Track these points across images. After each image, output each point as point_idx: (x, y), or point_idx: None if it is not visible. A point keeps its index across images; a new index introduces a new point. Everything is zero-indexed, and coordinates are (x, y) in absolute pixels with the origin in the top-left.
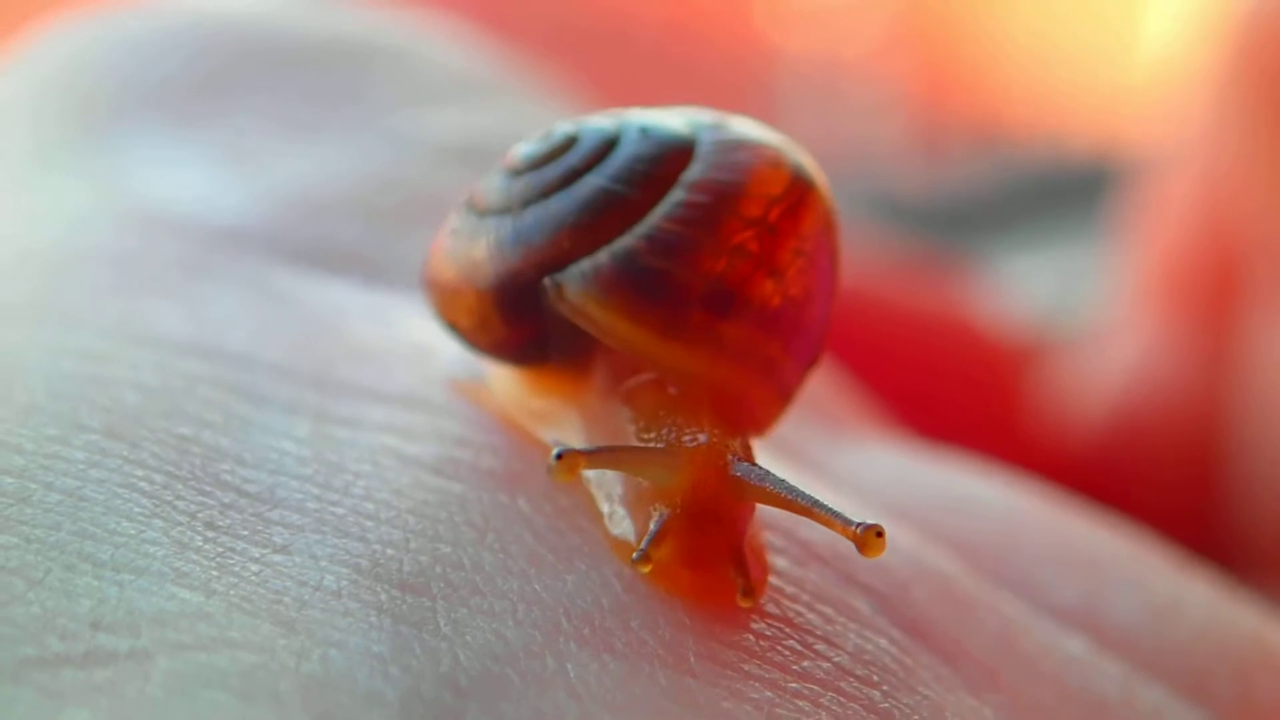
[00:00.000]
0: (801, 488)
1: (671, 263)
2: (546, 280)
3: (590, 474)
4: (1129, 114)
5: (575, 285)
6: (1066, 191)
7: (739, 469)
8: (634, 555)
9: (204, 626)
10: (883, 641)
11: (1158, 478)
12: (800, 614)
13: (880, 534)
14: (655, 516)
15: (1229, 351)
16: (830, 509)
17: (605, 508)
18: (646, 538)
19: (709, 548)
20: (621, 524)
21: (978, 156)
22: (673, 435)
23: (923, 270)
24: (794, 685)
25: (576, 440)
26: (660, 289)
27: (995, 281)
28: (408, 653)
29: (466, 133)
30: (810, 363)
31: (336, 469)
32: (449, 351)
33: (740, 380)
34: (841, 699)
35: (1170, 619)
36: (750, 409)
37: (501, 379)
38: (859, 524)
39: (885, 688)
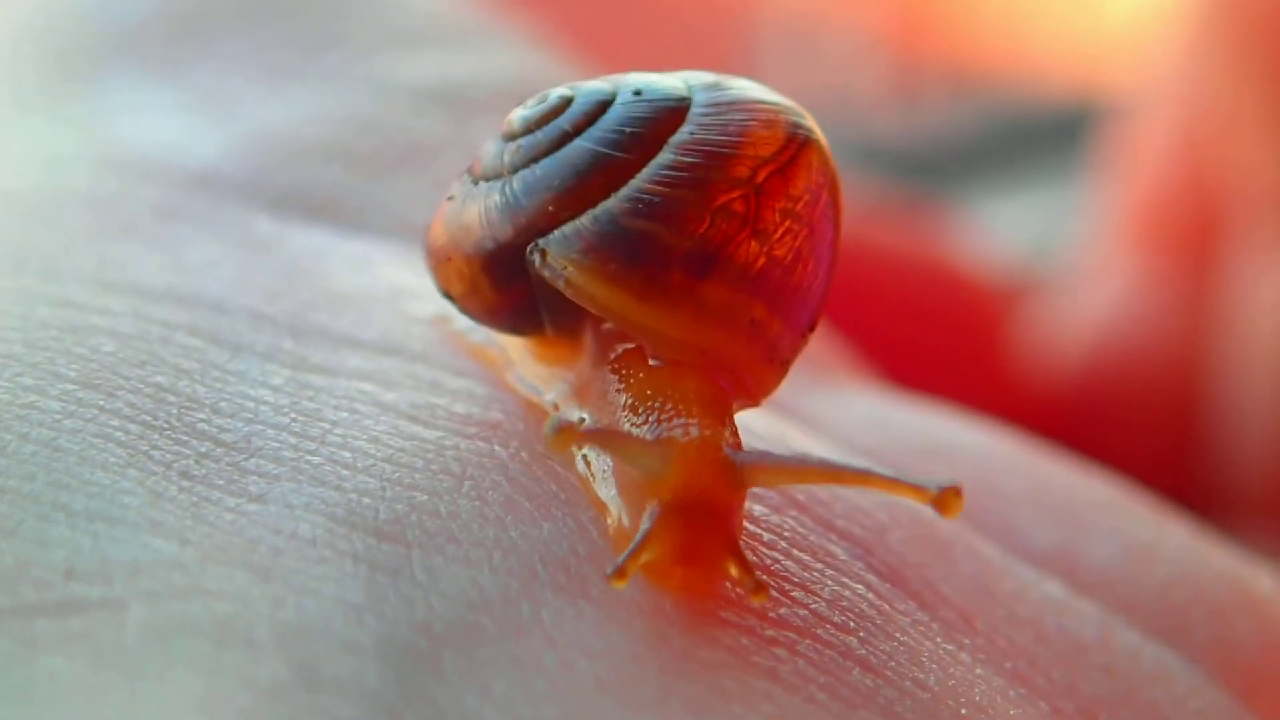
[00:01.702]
0: (820, 455)
1: (653, 224)
2: (531, 245)
3: (590, 458)
4: (1107, 57)
5: (557, 249)
6: (1045, 135)
7: (739, 457)
8: (608, 570)
9: (178, 575)
10: (860, 587)
11: (1136, 420)
12: (777, 561)
13: (960, 493)
14: (647, 513)
15: (1208, 294)
16: (880, 470)
17: (603, 494)
18: (635, 540)
19: (704, 544)
20: (619, 514)
21: (955, 101)
22: (663, 425)
23: (902, 215)
24: (770, 632)
25: (569, 408)
26: (640, 251)
27: (974, 226)
28: (383, 601)
29: (446, 77)
30: (803, 328)
31: (313, 417)
32: (436, 301)
33: (725, 346)
34: (818, 645)
35: (1147, 562)
36: (739, 377)
37: (507, 342)
38: (935, 486)
39: (862, 634)
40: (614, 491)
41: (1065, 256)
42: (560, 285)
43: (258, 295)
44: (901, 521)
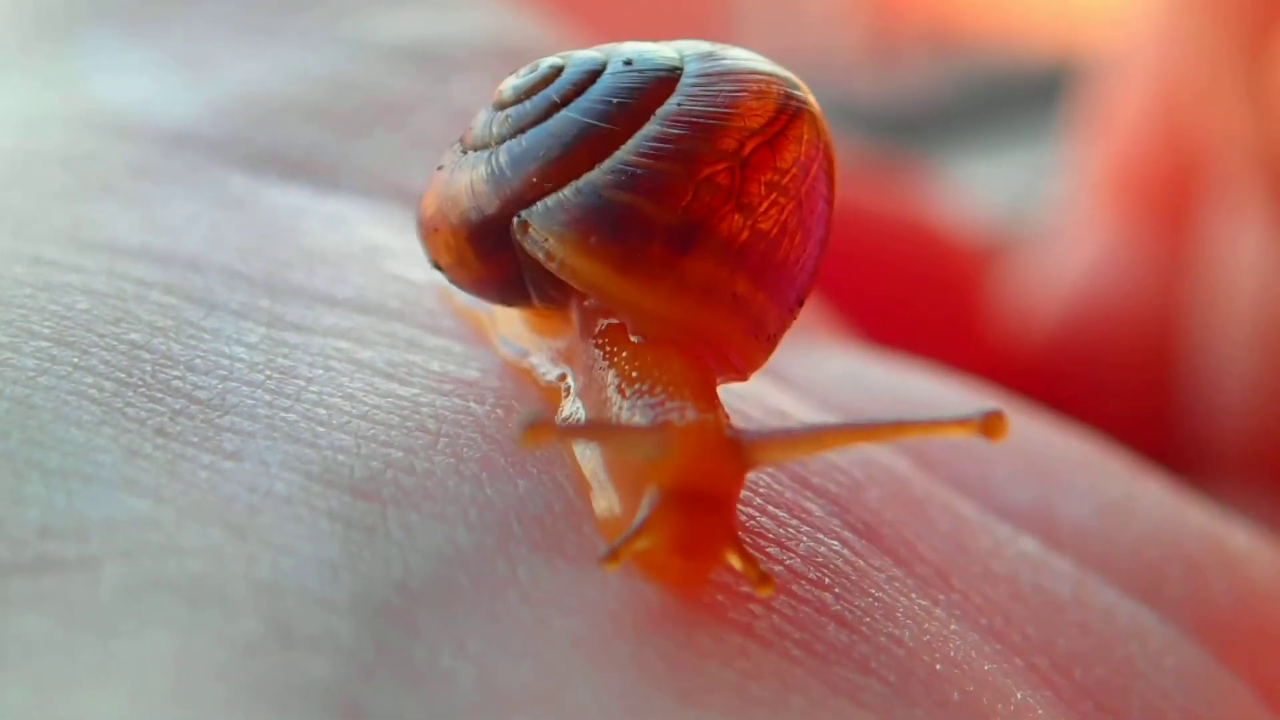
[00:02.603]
0: (835, 419)
1: (635, 197)
2: (515, 217)
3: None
4: (1084, 17)
5: (540, 221)
6: (1022, 95)
7: (745, 435)
8: (601, 551)
9: (153, 534)
10: (835, 544)
11: (1112, 378)
12: (753, 518)
13: (1003, 415)
14: (646, 499)
15: (1184, 253)
16: (917, 418)
17: (591, 477)
18: (632, 526)
19: (704, 535)
20: (608, 499)
21: (933, 62)
22: (656, 409)
23: (880, 175)
24: (746, 589)
25: (552, 369)
26: (621, 224)
27: (951, 185)
28: (359, 558)
29: (423, 36)
30: (790, 302)
31: (288, 374)
32: (414, 260)
33: (708, 321)
34: (794, 602)
35: (1122, 519)
36: (724, 352)
37: (501, 312)
38: (976, 414)
39: (837, 590)
40: (604, 475)
41: (1042, 216)
42: (542, 258)
43: (233, 253)
44: (877, 478)
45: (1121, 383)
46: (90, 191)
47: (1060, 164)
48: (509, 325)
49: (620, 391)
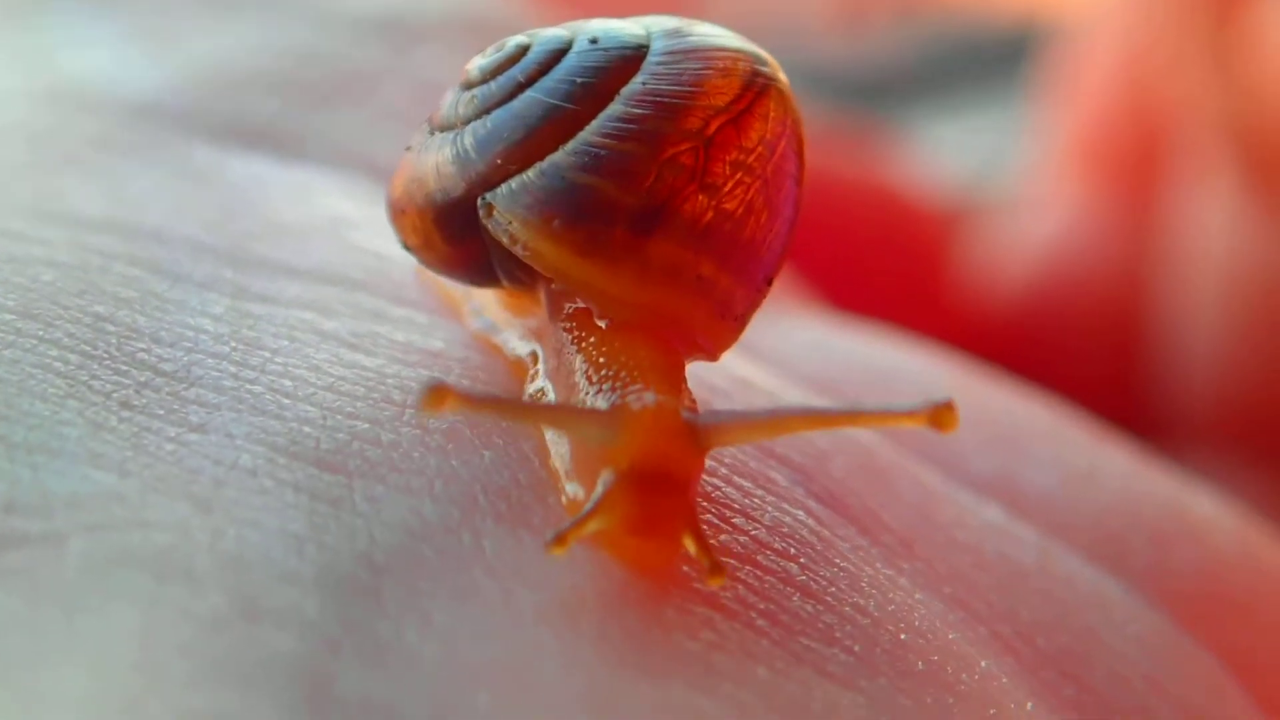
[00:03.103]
0: (794, 403)
1: (598, 179)
2: (480, 199)
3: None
4: None
5: (504, 204)
6: (989, 60)
7: (701, 419)
8: (547, 535)
9: (118, 508)
10: (800, 514)
11: (1078, 344)
12: (718, 488)
13: (953, 406)
14: (600, 482)
15: (1151, 221)
16: (866, 406)
17: (558, 464)
18: (584, 509)
19: (660, 515)
20: (572, 482)
21: (900, 26)
22: (616, 393)
23: (846, 140)
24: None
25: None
26: (584, 207)
27: (918, 150)
28: (324, 531)
29: (387, 6)
30: (758, 281)
31: (253, 346)
32: (377, 231)
33: (673, 304)
34: (758, 572)
35: (1086, 488)
36: (691, 335)
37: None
38: (925, 406)
39: (803, 560)
40: (569, 464)
41: (1009, 181)
42: (506, 241)
43: (197, 225)
44: (843, 448)
45: (1087, 348)
46: (53, 164)
47: (1027, 129)
48: (481, 296)
49: (588, 377)
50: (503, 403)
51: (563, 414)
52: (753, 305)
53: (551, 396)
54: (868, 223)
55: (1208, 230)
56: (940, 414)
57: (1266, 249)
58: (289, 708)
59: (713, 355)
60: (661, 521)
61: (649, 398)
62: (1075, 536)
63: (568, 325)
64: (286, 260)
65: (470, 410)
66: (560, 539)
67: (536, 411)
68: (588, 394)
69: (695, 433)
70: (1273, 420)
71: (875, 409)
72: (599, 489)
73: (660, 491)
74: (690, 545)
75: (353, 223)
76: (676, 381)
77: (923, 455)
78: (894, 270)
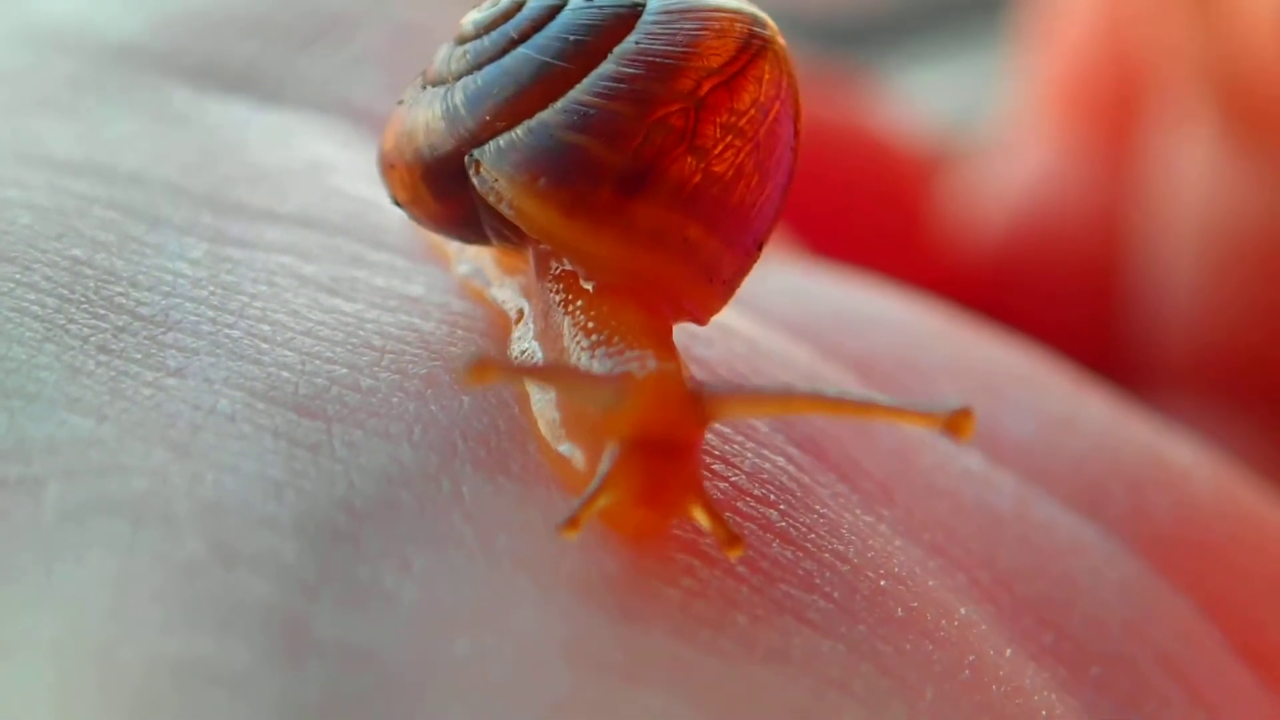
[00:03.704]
0: (806, 386)
1: (586, 138)
2: (467, 156)
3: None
4: None
5: (491, 161)
6: (968, 5)
7: (707, 389)
8: (558, 520)
9: (95, 453)
10: (780, 460)
11: (1057, 290)
12: None
13: (970, 414)
14: (607, 455)
15: (1130, 167)
16: (879, 399)
17: (546, 420)
18: (593, 485)
19: (666, 484)
20: (565, 443)
21: None
22: (615, 359)
23: (824, 85)
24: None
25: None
26: (571, 166)
27: (897, 95)
28: (303, 476)
29: None
30: (748, 246)
31: (231, 290)
32: (358, 175)
33: (658, 267)
34: (738, 519)
35: (1065, 435)
36: (678, 299)
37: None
38: (943, 410)
39: (782, 506)
40: (558, 423)
41: (988, 127)
42: (492, 199)
43: (175, 168)
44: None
45: (1065, 294)
46: (29, 106)
47: (1006, 73)
48: (478, 257)
49: (577, 341)
50: (526, 369)
51: (574, 378)
52: (741, 270)
53: (540, 358)
54: (846, 168)
55: (1186, 176)
56: (958, 421)
57: (1245, 196)
58: (266, 652)
59: (700, 319)
60: (669, 490)
61: (651, 364)
62: (1054, 483)
63: (555, 287)
64: (265, 204)
65: (508, 378)
66: (573, 521)
67: (552, 373)
68: (579, 358)
69: (700, 401)
70: (1249, 367)
71: (891, 403)
72: (605, 463)
73: (665, 459)
74: (701, 517)
75: (332, 166)
76: (669, 345)
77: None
78: (873, 216)
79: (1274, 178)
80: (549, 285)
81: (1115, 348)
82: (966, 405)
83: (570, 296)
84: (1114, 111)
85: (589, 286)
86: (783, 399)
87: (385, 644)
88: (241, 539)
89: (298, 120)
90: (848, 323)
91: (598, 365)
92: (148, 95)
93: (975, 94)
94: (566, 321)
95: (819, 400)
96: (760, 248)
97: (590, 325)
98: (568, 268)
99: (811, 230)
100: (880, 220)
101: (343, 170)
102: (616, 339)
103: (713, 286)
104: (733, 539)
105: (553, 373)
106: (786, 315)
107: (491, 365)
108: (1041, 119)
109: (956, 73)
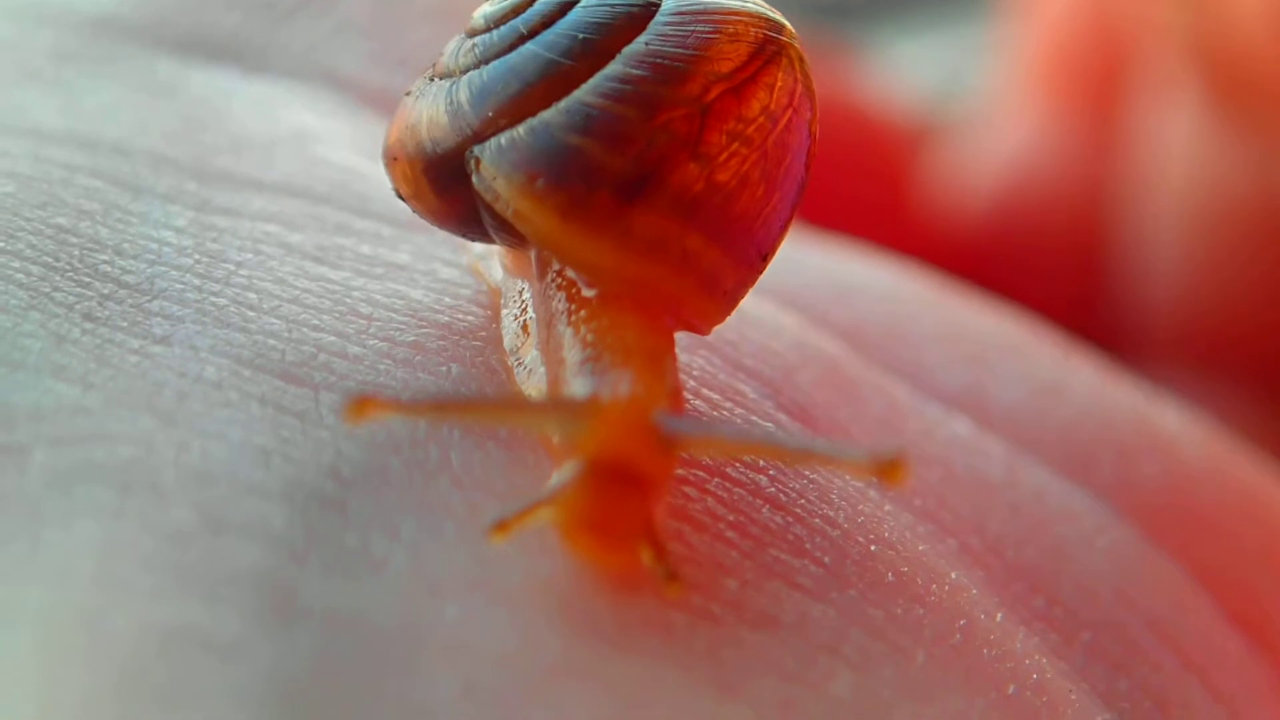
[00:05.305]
0: (766, 429)
1: (587, 140)
2: (468, 153)
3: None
4: None
5: (490, 159)
6: None
7: (668, 425)
8: (489, 521)
9: (81, 420)
10: (769, 426)
11: (1043, 260)
12: (688, 400)
13: (903, 463)
14: (564, 469)
15: (1115, 138)
16: (824, 447)
17: (533, 391)
18: (537, 495)
19: (615, 517)
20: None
21: None
22: (594, 379)
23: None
24: (680, 471)
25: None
26: (570, 168)
27: (882, 67)
28: (290, 444)
29: None
30: (751, 258)
31: (217, 258)
32: (333, 140)
33: (656, 277)
34: (728, 484)
35: (1054, 402)
36: (678, 310)
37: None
38: (873, 457)
39: (772, 472)
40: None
41: (972, 99)
42: (489, 198)
43: (159, 137)
44: (811, 361)
45: (1051, 263)
46: (12, 77)
47: (991, 46)
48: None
49: (574, 355)
50: (473, 402)
51: (533, 411)
52: (743, 282)
53: (541, 371)
54: (832, 140)
55: (1171, 148)
56: (888, 469)
57: (1229, 167)
58: (255, 619)
59: (701, 330)
60: (615, 524)
61: (624, 388)
62: (1043, 450)
63: (557, 295)
64: (250, 173)
65: (429, 417)
66: (502, 525)
67: (506, 410)
68: (572, 373)
69: (659, 437)
70: (1234, 336)
71: (828, 453)
72: (554, 479)
73: (618, 492)
74: (644, 554)
75: (316, 136)
76: (659, 368)
77: (890, 369)
78: (859, 188)
79: (1259, 149)
80: (551, 292)
81: (1100, 319)
82: (900, 451)
83: (574, 307)
84: (1098, 83)
85: (590, 294)
86: (741, 444)
87: (374, 610)
88: (229, 506)
89: (281, 90)
90: (836, 291)
91: (580, 385)
92: (131, 66)
93: (960, 66)
94: (568, 334)
95: (766, 446)
96: (765, 260)
97: (590, 339)
98: (569, 274)
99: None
100: (865, 193)
101: (327, 139)
102: (606, 356)
103: (712, 298)
104: (670, 576)
105: (507, 409)
106: (775, 283)
107: (375, 404)
108: (1026, 91)
109: (941, 45)
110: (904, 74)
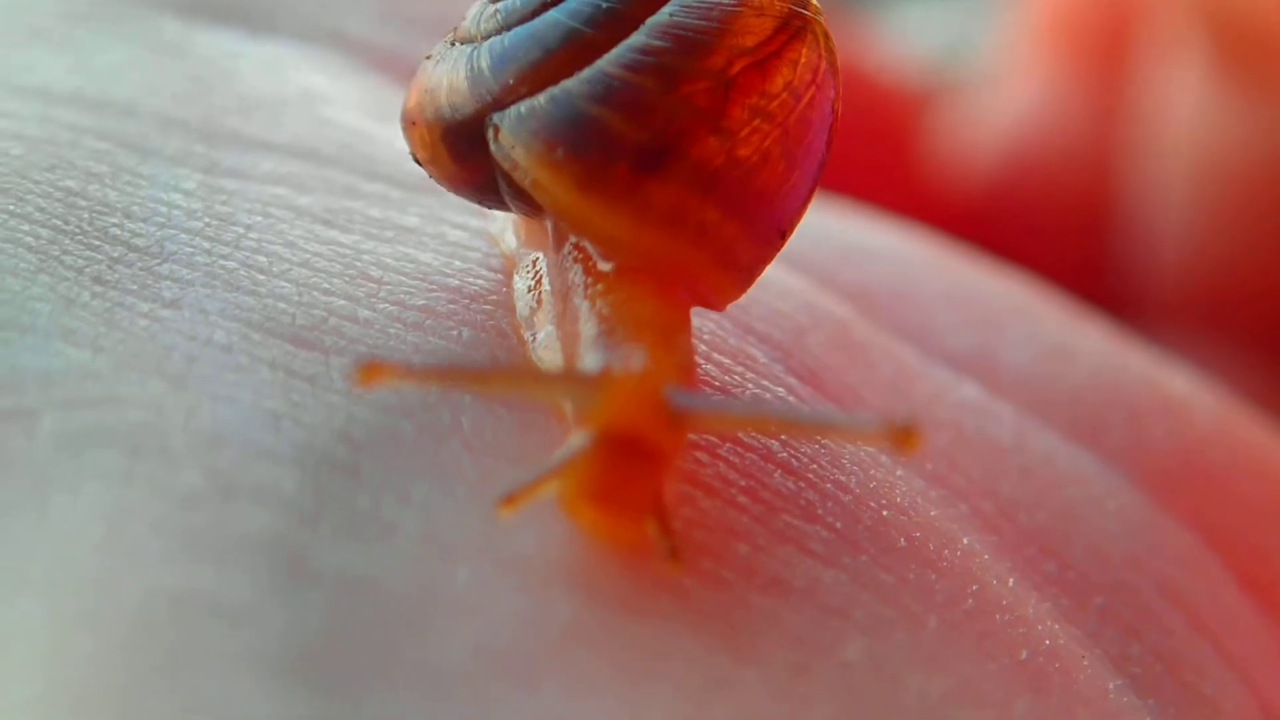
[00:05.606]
0: (776, 404)
1: (607, 110)
2: (487, 120)
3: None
4: None
5: (510, 126)
6: None
7: (678, 400)
8: (497, 493)
9: (91, 384)
10: (780, 390)
11: (1050, 224)
12: (698, 365)
13: (916, 431)
14: (573, 439)
15: (1122, 100)
16: (836, 418)
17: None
18: (546, 465)
19: (623, 488)
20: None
21: None
22: (608, 351)
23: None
24: (690, 436)
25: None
26: (589, 137)
27: (888, 30)
28: (301, 407)
29: None
30: (769, 234)
31: (226, 221)
32: (341, 102)
33: (671, 250)
34: (739, 449)
35: (1064, 365)
36: (694, 284)
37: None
38: (885, 426)
39: (784, 437)
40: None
41: (978, 61)
42: (508, 166)
43: (167, 99)
44: (820, 324)
45: (1057, 229)
46: (20, 37)
47: (998, 7)
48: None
49: (590, 328)
50: (484, 371)
51: (544, 382)
52: (761, 258)
53: (556, 345)
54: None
55: (1178, 109)
56: (901, 436)
57: (1235, 131)
58: (266, 582)
59: (716, 305)
60: (623, 495)
61: (635, 362)
62: (1052, 413)
63: (574, 268)
64: (259, 135)
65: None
66: (511, 499)
67: (518, 380)
68: (586, 347)
69: (669, 412)
70: (1242, 298)
71: (845, 423)
72: (567, 448)
73: (627, 463)
74: (651, 529)
75: (325, 97)
76: (671, 344)
77: (900, 332)
78: (866, 151)
79: (1265, 111)
80: (567, 264)
81: (1107, 281)
82: (912, 420)
83: (590, 280)
84: (1105, 45)
85: (606, 267)
86: (752, 420)
87: (386, 573)
88: (239, 470)
89: (289, 51)
90: (845, 254)
91: (593, 358)
92: (138, 26)
93: (966, 28)
94: (584, 308)
95: (790, 424)
96: (784, 236)
97: (606, 313)
98: (586, 246)
99: None
100: (872, 156)
101: (335, 101)
102: (620, 329)
103: (728, 273)
104: (672, 553)
105: (523, 378)
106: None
107: (387, 368)
108: (1032, 54)
109: (947, 6)
110: (910, 37)
